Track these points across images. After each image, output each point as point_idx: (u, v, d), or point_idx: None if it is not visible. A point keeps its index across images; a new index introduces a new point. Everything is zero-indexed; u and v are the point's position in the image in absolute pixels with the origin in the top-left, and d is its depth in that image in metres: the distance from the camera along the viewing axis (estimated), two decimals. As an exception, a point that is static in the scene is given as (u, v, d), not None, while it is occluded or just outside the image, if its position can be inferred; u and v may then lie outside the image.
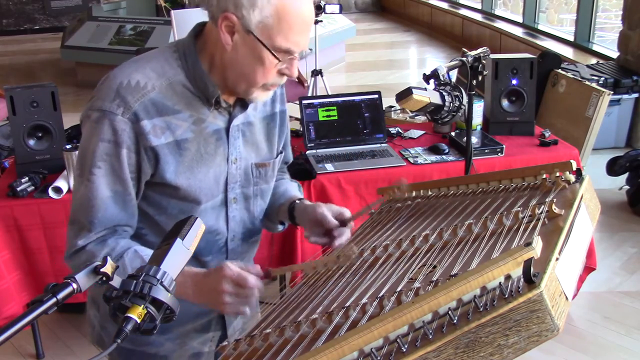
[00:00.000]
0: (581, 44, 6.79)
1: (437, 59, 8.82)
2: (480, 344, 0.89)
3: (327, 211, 1.52)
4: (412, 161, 3.08)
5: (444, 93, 2.10)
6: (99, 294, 1.23)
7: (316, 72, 5.37)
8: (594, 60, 6.13)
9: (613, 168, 4.50)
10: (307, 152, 3.16)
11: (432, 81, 2.15)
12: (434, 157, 3.11)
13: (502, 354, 0.90)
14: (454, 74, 4.55)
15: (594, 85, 4.88)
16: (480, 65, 2.28)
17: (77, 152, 2.75)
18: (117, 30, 7.70)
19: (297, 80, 5.27)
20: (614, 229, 4.18)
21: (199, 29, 1.41)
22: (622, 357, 3.04)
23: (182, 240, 1.04)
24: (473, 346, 0.90)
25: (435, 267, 1.16)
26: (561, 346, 3.09)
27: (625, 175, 4.50)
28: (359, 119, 3.26)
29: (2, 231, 2.78)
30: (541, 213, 1.19)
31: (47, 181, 2.91)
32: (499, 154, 3.12)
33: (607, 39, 7.16)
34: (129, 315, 0.93)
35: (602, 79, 5.23)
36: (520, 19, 8.25)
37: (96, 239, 1.38)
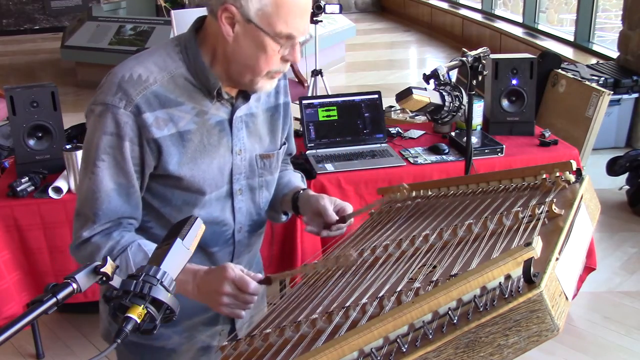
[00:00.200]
0: (581, 44, 6.79)
1: (437, 59, 8.82)
2: (480, 344, 0.89)
3: (330, 204, 1.55)
4: (412, 161, 3.08)
5: (444, 93, 2.10)
6: None
7: (316, 72, 5.37)
8: (594, 60, 6.13)
9: (613, 168, 4.50)
10: (307, 152, 3.16)
11: (432, 81, 2.15)
12: (434, 157, 3.11)
13: (502, 354, 0.90)
14: (454, 74, 4.55)
15: (594, 85, 4.88)
16: (480, 65, 2.28)
17: (77, 152, 2.78)
18: (117, 30, 7.70)
19: (297, 80, 5.28)
20: (614, 229, 4.18)
21: (200, 23, 1.43)
22: (622, 357, 3.04)
23: (182, 240, 1.05)
24: (473, 346, 0.90)
25: (435, 267, 1.16)
26: (561, 346, 3.09)
27: (625, 175, 4.50)
28: (359, 119, 3.26)
29: (2, 231, 2.78)
30: (541, 213, 1.19)
31: (47, 181, 2.91)
32: (499, 154, 3.12)
33: (607, 39, 7.16)
34: (129, 315, 0.93)
35: (602, 79, 5.23)
36: (520, 19, 8.25)
37: (101, 231, 1.39)
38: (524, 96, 3.35)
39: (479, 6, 9.47)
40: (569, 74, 5.11)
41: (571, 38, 7.02)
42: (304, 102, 3.23)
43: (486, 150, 3.12)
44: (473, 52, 2.32)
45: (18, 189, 2.79)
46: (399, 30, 10.89)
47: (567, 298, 0.97)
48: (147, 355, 1.58)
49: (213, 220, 1.50)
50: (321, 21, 5.24)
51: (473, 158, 2.56)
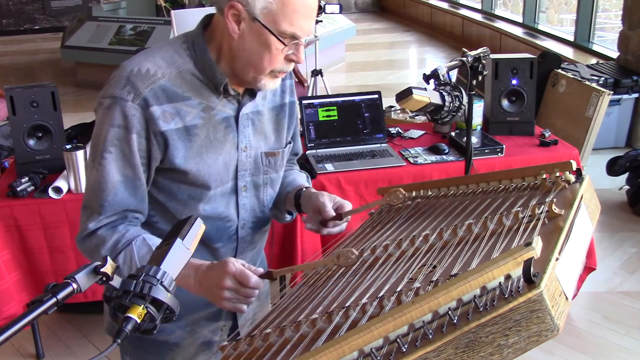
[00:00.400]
0: (581, 44, 6.79)
1: (437, 59, 8.82)
2: (480, 344, 0.89)
3: (328, 201, 1.56)
4: (412, 161, 3.08)
5: (444, 93, 2.10)
6: None
7: (316, 72, 5.37)
8: (594, 60, 6.13)
9: (613, 168, 4.49)
10: (307, 152, 3.17)
11: (432, 81, 2.15)
12: (434, 157, 3.11)
13: (502, 354, 0.90)
14: (454, 74, 4.55)
15: (594, 85, 4.88)
16: (480, 65, 2.28)
17: (77, 152, 2.78)
18: (117, 30, 7.70)
19: (297, 80, 5.27)
20: (614, 229, 4.18)
21: (207, 20, 1.45)
22: (622, 357, 3.04)
23: (182, 240, 1.05)
24: (473, 346, 0.90)
25: (435, 267, 1.16)
26: (561, 346, 3.09)
27: (625, 175, 4.50)
28: (359, 119, 3.26)
29: (2, 231, 2.78)
30: (541, 213, 1.19)
31: (47, 181, 2.91)
32: (499, 154, 3.12)
33: (607, 39, 7.16)
34: (129, 315, 0.93)
35: (602, 79, 5.23)
36: (520, 19, 8.25)
37: (107, 224, 1.41)
38: (524, 96, 3.35)
39: (479, 6, 9.47)
40: (569, 74, 5.11)
41: (571, 38, 7.02)
42: (304, 102, 3.23)
43: (486, 150, 3.12)
44: (473, 52, 2.32)
45: (18, 189, 2.79)
46: (399, 30, 10.89)
47: (567, 298, 0.97)
48: (150, 349, 1.60)
49: (217, 216, 1.51)
50: (321, 21, 5.24)
51: (473, 158, 2.56)
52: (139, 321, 0.93)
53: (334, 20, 8.35)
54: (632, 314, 3.35)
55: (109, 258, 0.98)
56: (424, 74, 2.17)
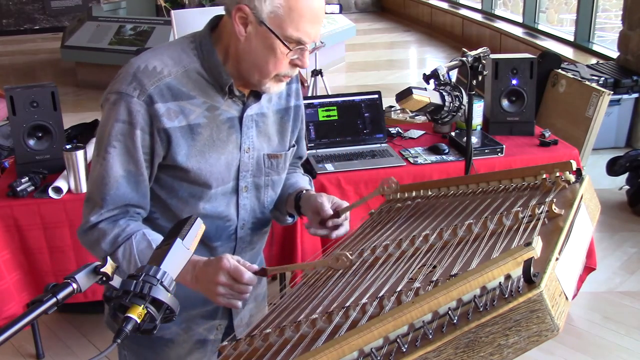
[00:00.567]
0: (581, 44, 6.79)
1: (437, 59, 8.82)
2: (480, 344, 0.89)
3: (327, 201, 1.56)
4: (412, 161, 3.08)
5: (444, 93, 2.10)
6: None
7: (316, 72, 5.37)
8: (594, 60, 6.13)
9: (613, 168, 4.49)
10: (307, 152, 3.16)
11: (432, 81, 2.15)
12: (434, 157, 3.11)
13: (502, 354, 0.90)
14: (454, 74, 4.55)
15: (594, 85, 4.88)
16: (480, 65, 2.28)
17: (77, 152, 2.78)
18: (117, 30, 7.70)
19: (297, 80, 5.26)
20: (614, 229, 4.18)
21: (216, 21, 1.46)
22: (622, 357, 3.04)
23: (182, 240, 1.05)
24: (473, 346, 0.90)
25: (435, 267, 1.16)
26: (561, 346, 3.09)
27: (625, 175, 4.50)
28: (359, 119, 3.26)
29: (2, 231, 2.78)
30: (541, 213, 1.19)
31: (47, 181, 2.91)
32: (499, 154, 3.12)
33: (607, 39, 7.16)
34: (129, 315, 0.93)
35: (602, 79, 5.23)
36: (520, 19, 8.25)
37: (108, 218, 1.42)
38: (524, 96, 3.35)
39: (479, 6, 9.47)
40: (569, 74, 5.11)
41: (571, 38, 7.02)
42: (304, 102, 3.23)
43: (486, 150, 3.12)
44: (473, 52, 2.32)
45: (18, 189, 2.79)
46: (399, 30, 10.89)
47: (567, 298, 0.97)
48: (146, 343, 1.61)
49: (217, 215, 1.52)
50: (324, 13, 5.22)
51: (473, 158, 2.56)
52: (139, 321, 0.94)
53: (334, 20, 8.35)
54: (632, 314, 3.35)
55: (109, 258, 0.98)
56: (424, 74, 2.17)
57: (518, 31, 7.95)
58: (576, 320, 3.30)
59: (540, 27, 7.86)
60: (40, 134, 2.99)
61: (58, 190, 2.82)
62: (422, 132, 3.44)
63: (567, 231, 1.11)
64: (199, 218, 1.11)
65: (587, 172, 1.48)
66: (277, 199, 1.67)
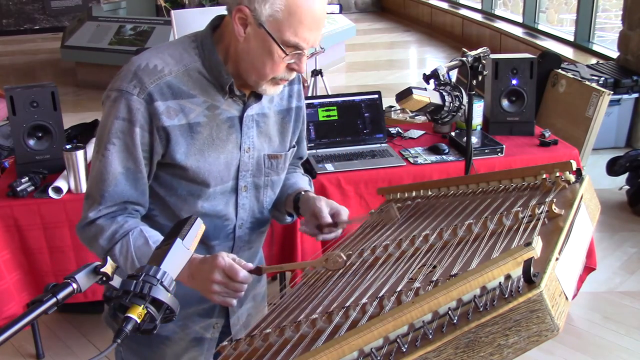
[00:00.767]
0: (581, 44, 6.79)
1: (437, 59, 8.82)
2: (480, 344, 0.89)
3: (325, 207, 1.56)
4: (412, 161, 3.08)
5: (444, 93, 2.10)
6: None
7: (316, 72, 5.37)
8: (594, 60, 6.13)
9: (613, 168, 4.50)
10: (307, 152, 3.16)
11: (432, 81, 2.15)
12: (434, 157, 3.11)
13: (502, 354, 0.90)
14: (454, 74, 4.55)
15: (594, 85, 4.88)
16: (480, 65, 2.28)
17: (77, 152, 2.78)
18: (117, 30, 7.70)
19: (297, 80, 5.26)
20: (614, 229, 4.18)
21: (218, 21, 1.47)
22: (622, 357, 3.04)
23: (182, 240, 1.05)
24: (473, 346, 0.90)
25: (435, 267, 1.16)
26: (561, 346, 3.09)
27: (625, 175, 4.50)
28: (359, 119, 3.26)
29: (2, 231, 2.78)
30: (541, 213, 1.19)
31: (47, 181, 2.91)
32: (499, 154, 3.12)
33: (607, 39, 7.16)
34: (129, 315, 0.93)
35: (602, 79, 5.23)
36: (520, 19, 8.25)
37: (106, 214, 1.43)
38: (524, 96, 3.35)
39: (479, 6, 9.47)
40: (569, 74, 5.11)
41: (571, 38, 7.02)
42: (304, 102, 3.23)
43: (486, 150, 3.12)
44: (473, 52, 2.32)
45: (18, 189, 2.79)
46: (399, 30, 10.89)
47: (567, 298, 0.97)
48: (142, 341, 1.60)
49: (216, 214, 1.52)
50: (325, 20, 5.22)
51: (473, 158, 2.56)
52: (139, 321, 0.94)
53: (334, 20, 8.35)
54: (632, 314, 3.35)
55: (109, 258, 0.98)
56: (424, 74, 2.17)
57: (518, 31, 7.95)
58: (576, 320, 3.30)
59: (540, 27, 7.86)
60: (40, 134, 2.99)
61: (58, 190, 2.82)
62: (422, 132, 3.44)
63: (567, 231, 1.11)
64: (199, 218, 1.12)
65: (587, 172, 1.48)
66: (277, 198, 1.67)
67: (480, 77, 2.31)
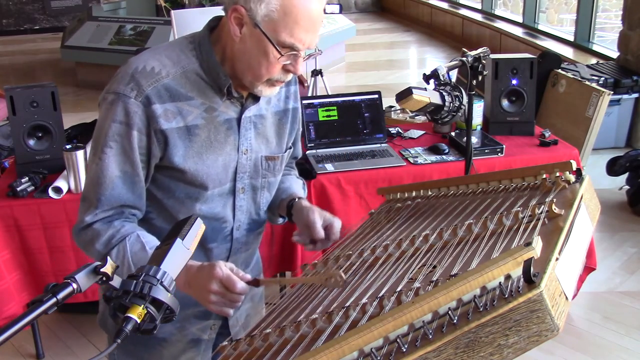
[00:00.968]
0: (581, 44, 6.79)
1: (437, 59, 8.82)
2: (480, 344, 0.89)
3: (319, 219, 1.56)
4: (412, 161, 3.08)
5: (444, 93, 2.10)
6: None
7: (316, 72, 5.37)
8: (594, 60, 6.13)
9: (613, 168, 4.50)
10: (307, 152, 3.17)
11: (432, 81, 2.15)
12: (434, 157, 3.11)
13: (502, 354, 0.90)
14: (454, 74, 4.55)
15: (594, 85, 4.88)
16: (480, 65, 2.28)
17: (77, 152, 2.78)
18: (117, 30, 7.70)
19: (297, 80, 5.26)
20: (614, 229, 4.18)
21: (215, 22, 1.46)
22: (622, 357, 3.04)
23: (182, 240, 1.05)
24: (473, 346, 0.90)
25: (435, 267, 1.16)
26: (561, 346, 3.09)
27: (625, 175, 4.50)
28: (359, 119, 3.26)
29: (2, 231, 2.78)
30: (541, 213, 1.19)
31: (47, 181, 2.91)
32: (499, 154, 3.12)
33: (607, 39, 7.16)
34: (129, 315, 0.93)
35: (602, 79, 5.23)
36: (520, 19, 8.25)
37: (103, 218, 1.42)
38: (524, 96, 3.35)
39: (479, 6, 9.47)
40: (569, 74, 5.11)
41: (571, 38, 7.02)
42: (304, 102, 3.23)
43: (486, 150, 3.12)
44: (473, 52, 2.32)
45: (18, 189, 2.79)
46: (399, 30, 10.89)
47: (567, 298, 0.97)
48: (139, 342, 1.59)
49: (214, 216, 1.51)
50: (321, 21, 5.22)
51: (473, 158, 2.56)
52: (139, 321, 0.94)
53: (334, 20, 8.35)
54: (632, 314, 3.35)
55: (109, 258, 0.98)
56: (424, 74, 2.17)
57: (518, 31, 7.95)
58: (576, 320, 3.30)
59: (540, 27, 7.86)
60: (40, 134, 2.99)
61: (58, 190, 2.82)
62: (422, 132, 3.44)
63: (567, 231, 1.11)
64: (199, 218, 1.11)
65: (587, 172, 1.48)
66: (271, 200, 1.66)
67: (480, 77, 2.31)
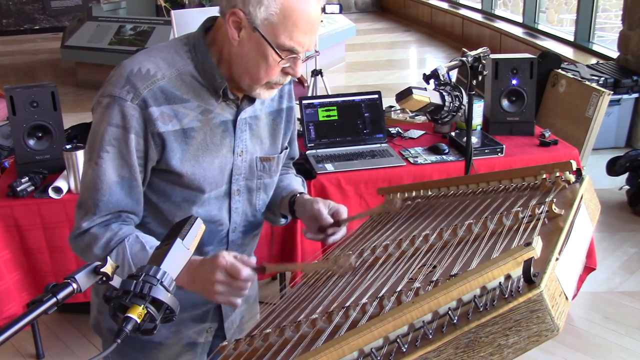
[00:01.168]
0: (581, 44, 6.79)
1: (437, 59, 8.82)
2: (480, 344, 0.89)
3: (324, 208, 1.54)
4: (412, 161, 3.08)
5: (444, 93, 2.10)
6: None
7: (316, 72, 5.37)
8: (594, 60, 6.13)
9: (613, 168, 4.50)
10: (307, 152, 3.17)
11: (432, 81, 2.15)
12: (434, 157, 3.11)
13: (502, 354, 0.89)
14: (454, 74, 4.55)
15: (594, 85, 4.88)
16: (480, 65, 2.28)
17: (77, 152, 2.78)
18: (117, 30, 7.70)
19: (297, 80, 5.27)
20: (614, 229, 4.18)
21: (210, 23, 1.44)
22: (622, 357, 3.04)
23: (182, 240, 1.05)
24: (473, 346, 0.90)
25: (435, 267, 1.16)
26: (561, 346, 3.09)
27: (625, 175, 4.50)
28: (359, 119, 3.26)
29: (2, 231, 2.78)
30: (541, 213, 1.19)
31: (47, 181, 2.91)
32: (499, 154, 3.12)
33: (607, 39, 7.16)
34: (129, 315, 0.93)
35: (602, 79, 5.23)
36: (520, 19, 8.25)
37: (100, 223, 1.40)
38: (524, 96, 3.35)
39: (479, 6, 9.47)
40: (569, 74, 5.11)
41: (571, 38, 7.02)
42: (304, 102, 3.23)
43: (486, 150, 3.12)
44: (473, 52, 2.32)
45: (18, 189, 2.79)
46: (399, 30, 10.89)
47: (567, 298, 0.97)
48: (135, 345, 1.58)
49: (210, 219, 1.50)
50: (321, 21, 5.23)
51: (473, 158, 2.56)
52: (139, 321, 0.93)
53: (334, 20, 8.35)
54: (632, 314, 3.35)
55: (109, 258, 0.98)
56: (424, 74, 2.17)
57: (518, 31, 7.95)
58: (576, 320, 3.30)
59: (540, 27, 7.86)
60: (40, 134, 2.99)
61: (58, 190, 2.82)
62: (422, 132, 3.44)
63: (567, 231, 1.11)
64: (199, 218, 1.11)
65: (587, 172, 1.48)
66: (270, 201, 1.65)
67: (480, 77, 2.31)
